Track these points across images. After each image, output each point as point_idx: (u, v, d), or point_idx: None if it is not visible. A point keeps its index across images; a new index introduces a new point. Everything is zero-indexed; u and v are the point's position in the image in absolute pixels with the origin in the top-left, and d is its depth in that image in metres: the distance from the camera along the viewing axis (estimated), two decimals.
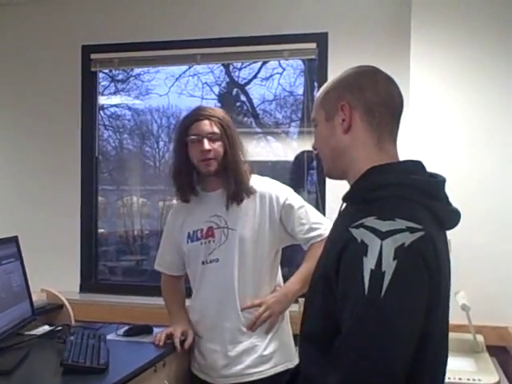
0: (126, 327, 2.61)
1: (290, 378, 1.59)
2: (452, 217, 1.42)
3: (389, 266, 1.19)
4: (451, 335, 2.76)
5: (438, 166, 2.93)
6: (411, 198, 1.31)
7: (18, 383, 2.03)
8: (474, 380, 2.37)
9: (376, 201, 1.32)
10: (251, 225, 2.33)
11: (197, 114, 2.35)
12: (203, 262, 2.37)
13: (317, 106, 1.50)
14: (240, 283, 2.32)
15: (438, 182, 1.41)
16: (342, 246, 1.27)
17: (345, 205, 1.47)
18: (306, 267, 2.30)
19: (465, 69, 2.95)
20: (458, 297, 2.66)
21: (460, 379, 2.37)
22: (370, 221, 1.25)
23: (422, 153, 2.97)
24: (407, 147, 3.03)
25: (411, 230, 1.23)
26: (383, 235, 1.21)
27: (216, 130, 2.31)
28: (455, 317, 2.71)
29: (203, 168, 2.33)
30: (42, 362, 2.25)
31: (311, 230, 2.34)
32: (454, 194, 2.86)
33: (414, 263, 1.21)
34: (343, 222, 1.35)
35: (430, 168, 3.06)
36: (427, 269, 1.23)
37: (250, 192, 2.34)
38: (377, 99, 1.41)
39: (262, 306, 2.32)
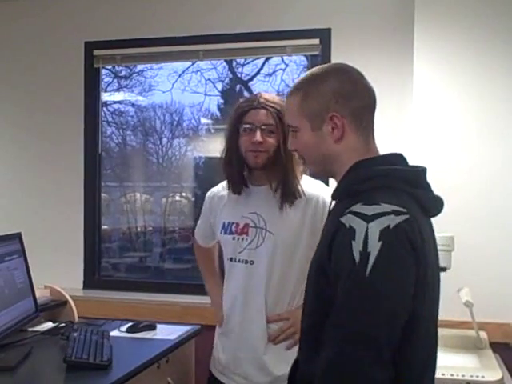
0: (129, 324, 2.61)
1: (290, 372, 1.61)
2: (435, 203, 1.47)
3: (374, 246, 1.25)
4: (455, 332, 2.79)
5: (440, 162, 2.95)
6: (395, 186, 1.37)
7: (22, 379, 2.04)
8: (477, 376, 2.36)
9: (363, 192, 1.37)
10: (291, 229, 2.16)
11: (254, 101, 2.16)
12: (231, 259, 2.22)
13: (294, 113, 1.48)
14: (269, 290, 2.16)
15: (418, 171, 1.46)
16: (333, 234, 1.33)
17: (334, 203, 1.50)
18: None
19: (468, 64, 2.94)
20: (462, 293, 2.65)
21: (463, 376, 2.36)
22: (357, 207, 1.31)
23: (424, 149, 2.97)
24: (410, 143, 3.03)
25: (396, 213, 1.28)
26: (369, 218, 1.27)
27: (272, 121, 2.12)
28: (458, 313, 2.73)
29: (251, 159, 2.15)
30: (46, 358, 2.25)
31: None
32: (458, 191, 2.89)
33: (399, 244, 1.27)
34: (334, 216, 1.40)
35: (433, 165, 3.06)
36: (413, 249, 1.28)
37: (297, 195, 2.16)
38: (361, 104, 1.46)
39: (290, 320, 2.16)
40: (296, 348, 2.08)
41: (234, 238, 2.21)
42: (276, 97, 2.23)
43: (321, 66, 1.55)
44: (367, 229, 1.26)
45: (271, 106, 2.13)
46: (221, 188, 2.35)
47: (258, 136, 2.12)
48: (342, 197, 1.45)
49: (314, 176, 2.14)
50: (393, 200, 1.31)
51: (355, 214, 1.30)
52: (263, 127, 2.13)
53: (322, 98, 1.43)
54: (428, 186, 1.47)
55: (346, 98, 1.43)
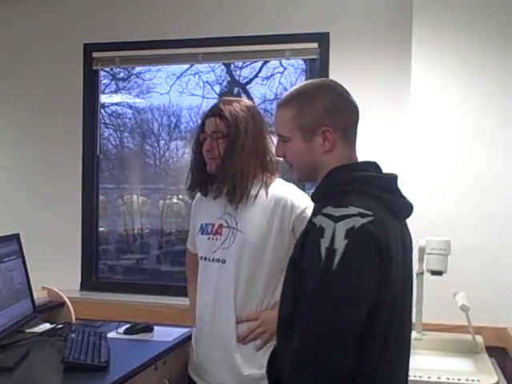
0: (127, 325, 2.62)
1: (269, 359, 1.73)
2: (404, 207, 1.61)
3: (340, 244, 1.39)
4: (451, 336, 2.80)
5: (437, 166, 2.96)
6: (365, 191, 1.52)
7: (19, 380, 2.04)
8: (472, 380, 2.37)
9: (336, 195, 1.52)
10: (260, 229, 2.20)
11: (212, 109, 2.27)
12: (205, 258, 2.27)
13: (287, 125, 1.60)
14: (239, 289, 2.20)
15: (389, 178, 1.60)
16: (306, 233, 1.50)
17: (313, 205, 1.66)
18: None
19: (466, 68, 2.95)
20: (458, 297, 2.66)
21: (459, 379, 2.37)
22: (327, 209, 1.46)
23: (422, 153, 2.98)
24: (407, 147, 3.04)
25: (362, 215, 1.43)
26: (337, 219, 1.42)
27: (222, 127, 2.20)
28: (454, 317, 2.74)
29: (208, 166, 2.25)
30: (43, 359, 2.26)
31: None
32: (455, 195, 2.91)
33: (363, 243, 1.42)
34: (310, 217, 1.56)
35: (430, 168, 3.07)
36: (377, 248, 1.43)
37: (245, 199, 2.20)
38: (350, 119, 1.62)
39: (259, 320, 2.20)
40: (265, 350, 2.16)
41: (208, 238, 2.28)
42: (237, 102, 2.27)
43: (311, 82, 1.70)
44: (334, 228, 1.41)
45: (223, 112, 2.20)
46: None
47: (207, 144, 2.23)
48: (319, 199, 1.61)
49: (299, 180, 2.13)
50: (360, 203, 1.46)
51: (325, 215, 1.45)
52: (213, 135, 2.22)
53: (316, 113, 1.57)
54: (398, 192, 1.61)
55: (337, 113, 1.58)
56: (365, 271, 1.41)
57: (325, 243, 1.40)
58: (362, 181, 1.54)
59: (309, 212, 2.08)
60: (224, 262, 2.22)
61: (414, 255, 2.75)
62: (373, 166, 1.60)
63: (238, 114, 2.21)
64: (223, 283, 2.22)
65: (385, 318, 1.46)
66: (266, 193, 2.23)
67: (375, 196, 1.52)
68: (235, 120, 2.20)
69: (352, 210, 1.44)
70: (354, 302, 1.40)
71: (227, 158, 2.19)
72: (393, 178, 1.62)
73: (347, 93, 1.64)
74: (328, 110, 1.57)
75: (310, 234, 1.46)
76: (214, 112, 2.24)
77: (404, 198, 1.61)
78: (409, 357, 1.66)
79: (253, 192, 2.22)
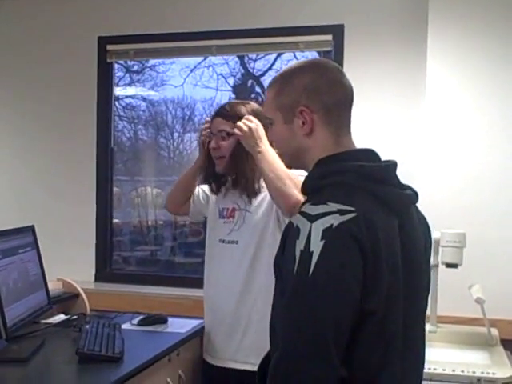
0: (141, 317, 2.63)
1: (262, 361, 1.56)
2: (401, 199, 1.44)
3: (316, 245, 1.25)
4: (465, 328, 2.79)
5: (453, 158, 2.94)
6: (352, 183, 1.36)
7: (34, 371, 2.05)
8: (488, 373, 2.36)
9: (321, 189, 1.38)
10: (263, 210, 2.32)
11: (215, 111, 2.41)
12: (223, 241, 2.38)
13: (270, 105, 1.51)
14: (244, 267, 2.31)
15: (381, 166, 1.43)
16: (285, 232, 1.35)
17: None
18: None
19: (482, 60, 2.93)
20: (473, 290, 2.65)
21: (474, 372, 2.36)
22: (305, 207, 1.33)
23: (437, 145, 2.97)
24: (422, 139, 3.02)
25: (341, 213, 1.27)
26: (313, 218, 1.28)
27: (226, 126, 2.31)
28: (469, 310, 2.73)
29: (216, 167, 2.37)
30: (58, 350, 2.27)
31: None
32: (470, 187, 2.88)
33: (342, 243, 1.26)
34: None
35: (445, 161, 3.05)
36: (360, 249, 1.26)
37: (259, 191, 2.33)
38: (334, 100, 1.45)
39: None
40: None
41: (224, 222, 2.40)
42: (247, 105, 2.36)
43: (300, 61, 1.58)
44: (310, 228, 1.26)
45: (229, 114, 2.31)
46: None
47: (213, 142, 2.34)
48: (305, 191, 1.48)
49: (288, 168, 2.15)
50: (342, 199, 1.31)
51: (302, 213, 1.31)
52: (218, 134, 2.33)
53: (294, 91, 1.45)
54: (395, 182, 1.45)
55: (317, 93, 1.44)
56: (344, 275, 1.25)
57: (300, 245, 1.26)
58: (351, 171, 1.38)
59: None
60: (237, 242, 2.35)
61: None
62: (367, 154, 1.44)
63: (244, 115, 2.29)
64: (233, 263, 2.34)
65: (377, 325, 1.30)
66: None
67: (364, 188, 1.36)
68: (239, 119, 2.27)
69: (331, 206, 1.28)
70: (336, 308, 1.24)
71: (233, 156, 2.31)
72: (389, 166, 1.44)
73: (338, 72, 1.48)
74: (307, 89, 1.44)
75: (288, 234, 1.33)
76: (220, 113, 2.36)
77: (402, 188, 1.46)
78: (421, 365, 1.50)
79: (262, 184, 2.31)
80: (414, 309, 1.42)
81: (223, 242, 2.38)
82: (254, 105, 2.39)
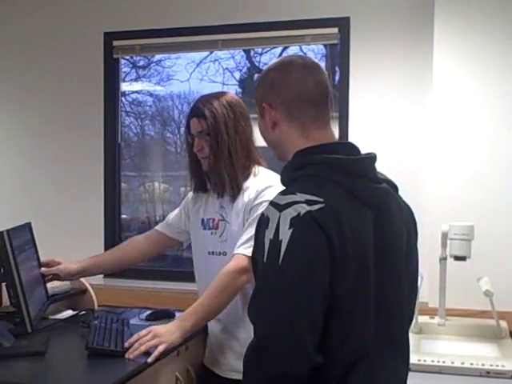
0: (148, 312, 2.63)
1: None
2: (373, 193, 1.45)
3: (285, 234, 1.29)
4: (474, 321, 2.78)
5: (460, 152, 2.93)
6: (324, 175, 1.39)
7: (49, 365, 2.06)
8: (497, 366, 2.36)
9: (295, 180, 1.42)
10: (239, 219, 2.25)
11: (189, 111, 2.32)
12: (212, 253, 2.33)
13: (255, 99, 1.58)
14: None
15: (356, 159, 1.45)
16: (257, 225, 1.40)
17: None
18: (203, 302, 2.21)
19: (489, 52, 2.92)
20: (482, 283, 2.64)
21: (483, 365, 2.36)
22: (275, 197, 1.37)
23: (444, 139, 2.95)
24: (430, 133, 3.01)
25: (309, 203, 1.31)
26: (281, 207, 1.32)
27: (204, 126, 2.23)
28: (478, 302, 2.72)
29: (203, 166, 2.31)
30: (67, 345, 2.28)
31: (244, 243, 2.15)
32: (478, 180, 2.87)
33: (310, 231, 1.30)
34: None
35: (452, 155, 3.04)
36: (327, 238, 1.29)
37: (239, 191, 2.25)
38: (290, 95, 1.48)
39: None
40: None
41: (211, 233, 2.33)
42: (220, 97, 2.27)
43: (277, 59, 1.63)
44: (279, 218, 1.30)
45: (201, 112, 2.22)
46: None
47: (195, 145, 2.26)
48: (282, 184, 1.50)
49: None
50: (311, 190, 1.34)
51: (271, 203, 1.36)
52: (199, 134, 2.25)
53: (261, 88, 1.54)
54: (371, 175, 1.46)
55: (277, 88, 1.49)
56: (313, 262, 1.28)
57: (269, 235, 1.30)
58: (324, 164, 1.40)
59: (263, 205, 2.09)
60: (225, 254, 2.28)
61: (435, 240, 2.75)
62: (345, 148, 1.46)
63: (217, 110, 2.22)
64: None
65: (343, 310, 1.33)
66: (254, 183, 2.26)
67: (335, 181, 1.38)
68: (214, 117, 2.21)
69: (299, 196, 1.32)
70: (304, 298, 1.28)
71: (214, 155, 2.24)
72: (365, 159, 1.46)
73: (303, 69, 1.50)
74: (268, 86, 1.51)
75: (260, 225, 1.37)
76: (194, 112, 2.27)
77: (378, 182, 1.47)
78: (406, 360, 1.50)
79: (244, 184, 2.26)
80: (391, 302, 1.44)
81: (212, 253, 2.33)
82: (229, 96, 2.31)
